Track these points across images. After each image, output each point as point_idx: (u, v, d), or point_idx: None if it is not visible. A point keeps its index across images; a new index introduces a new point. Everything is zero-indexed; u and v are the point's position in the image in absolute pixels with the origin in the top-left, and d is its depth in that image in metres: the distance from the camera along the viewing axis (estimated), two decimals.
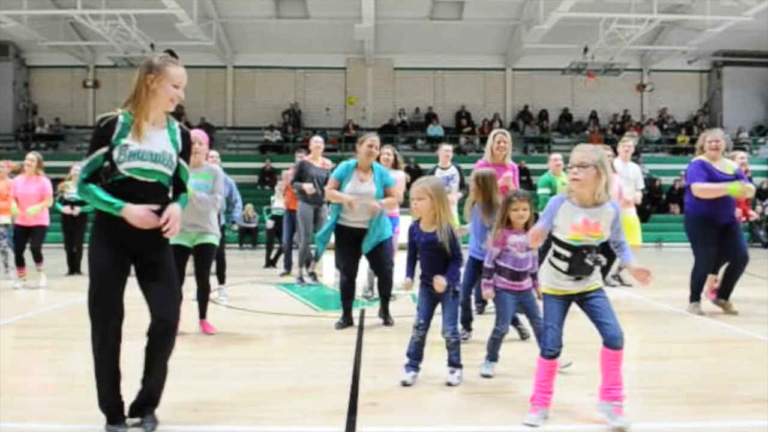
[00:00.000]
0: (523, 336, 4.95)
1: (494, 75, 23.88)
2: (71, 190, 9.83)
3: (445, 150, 8.20)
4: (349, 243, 5.63)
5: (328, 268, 10.67)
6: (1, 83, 22.59)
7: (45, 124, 22.73)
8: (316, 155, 8.51)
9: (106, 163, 2.97)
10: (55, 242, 8.87)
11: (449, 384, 3.78)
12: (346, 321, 5.67)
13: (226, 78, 23.32)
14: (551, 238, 3.22)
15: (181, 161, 3.15)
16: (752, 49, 22.21)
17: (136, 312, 3.24)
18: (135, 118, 2.99)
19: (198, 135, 5.37)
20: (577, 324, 4.17)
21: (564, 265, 3.14)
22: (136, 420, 3.11)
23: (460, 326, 4.99)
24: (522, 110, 23.54)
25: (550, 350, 3.17)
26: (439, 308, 3.97)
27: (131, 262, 3.11)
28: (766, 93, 23.61)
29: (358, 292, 6.23)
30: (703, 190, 6.03)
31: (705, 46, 20.65)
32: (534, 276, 4.06)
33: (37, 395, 3.63)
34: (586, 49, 19.55)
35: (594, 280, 3.17)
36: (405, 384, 3.81)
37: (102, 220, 3.04)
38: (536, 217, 4.13)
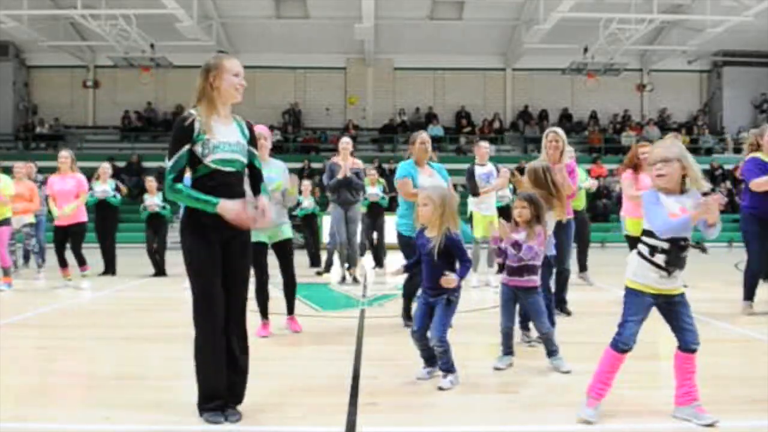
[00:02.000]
0: (530, 343, 4.89)
1: (494, 75, 23.88)
2: (100, 187, 9.87)
3: (484, 147, 8.17)
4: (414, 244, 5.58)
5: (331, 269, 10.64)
6: (1, 83, 22.59)
7: (45, 124, 22.72)
8: (345, 156, 8.48)
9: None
10: (88, 242, 8.95)
11: (440, 388, 3.72)
12: (409, 316, 5.62)
13: None
14: (644, 234, 3.16)
15: (252, 149, 3.33)
16: (752, 49, 22.22)
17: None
18: (205, 117, 3.15)
19: (262, 130, 5.42)
20: (585, 326, 4.16)
21: (662, 258, 3.09)
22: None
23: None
24: (522, 110, 23.54)
25: (625, 344, 3.13)
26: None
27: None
28: (757, 98, 23.55)
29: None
30: (758, 184, 6.04)
31: (705, 46, 20.66)
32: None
33: (37, 395, 3.63)
34: (586, 49, 19.55)
35: (680, 283, 3.15)
36: (418, 378, 3.90)
37: (193, 216, 3.15)
38: (537, 217, 4.17)
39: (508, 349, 4.25)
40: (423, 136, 5.72)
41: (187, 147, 3.10)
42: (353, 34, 19.46)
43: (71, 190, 8.46)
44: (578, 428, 3.13)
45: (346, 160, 8.44)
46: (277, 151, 22.23)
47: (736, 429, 3.14)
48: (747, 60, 22.89)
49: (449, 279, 3.76)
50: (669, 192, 3.10)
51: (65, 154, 8.64)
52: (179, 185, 3.11)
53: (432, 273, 3.87)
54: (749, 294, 6.19)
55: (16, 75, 22.97)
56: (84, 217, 8.63)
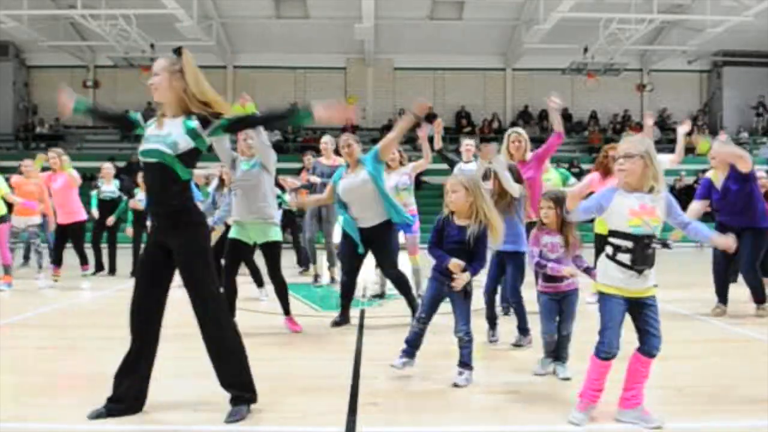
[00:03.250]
0: (492, 340, 4.93)
1: (494, 75, 23.88)
2: (105, 187, 9.87)
3: (467, 144, 8.21)
4: (352, 243, 5.62)
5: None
6: (1, 83, 22.60)
7: (45, 124, 22.73)
8: (328, 154, 8.49)
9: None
10: (87, 242, 9.03)
11: (455, 385, 3.74)
12: (343, 319, 5.70)
13: (226, 78, 23.30)
14: (609, 235, 3.13)
15: (189, 136, 3.19)
16: (752, 49, 22.21)
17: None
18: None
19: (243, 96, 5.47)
20: (584, 325, 4.16)
21: (627, 258, 3.04)
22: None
23: (486, 327, 4.97)
24: (522, 110, 23.54)
25: (606, 352, 3.07)
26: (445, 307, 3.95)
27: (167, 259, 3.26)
28: (753, 100, 23.50)
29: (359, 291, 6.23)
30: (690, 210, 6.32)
31: (705, 46, 20.66)
32: (587, 270, 3.93)
33: (37, 395, 3.63)
34: (586, 49, 19.55)
35: (651, 283, 3.10)
36: (392, 366, 3.86)
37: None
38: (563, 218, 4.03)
39: (551, 353, 4.09)
40: (343, 138, 5.71)
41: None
42: (353, 34, 19.46)
43: (61, 188, 8.48)
44: (578, 429, 3.13)
45: (329, 159, 8.44)
46: (277, 150, 22.15)
47: (736, 429, 3.14)
48: (747, 60, 22.90)
49: (460, 277, 3.70)
50: (633, 189, 3.07)
51: (53, 154, 8.69)
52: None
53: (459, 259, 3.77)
54: (720, 297, 6.28)
55: (16, 75, 22.97)
56: (82, 216, 8.64)
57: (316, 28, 21.44)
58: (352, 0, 18.35)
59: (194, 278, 3.21)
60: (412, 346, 3.96)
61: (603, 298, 3.13)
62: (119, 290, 8.19)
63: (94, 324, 5.97)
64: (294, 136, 22.70)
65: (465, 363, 3.83)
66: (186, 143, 3.18)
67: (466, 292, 3.84)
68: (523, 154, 6.04)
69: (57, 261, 8.48)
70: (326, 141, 8.60)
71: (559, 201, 3.98)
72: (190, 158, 3.21)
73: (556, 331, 4.05)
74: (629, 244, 3.04)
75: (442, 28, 21.54)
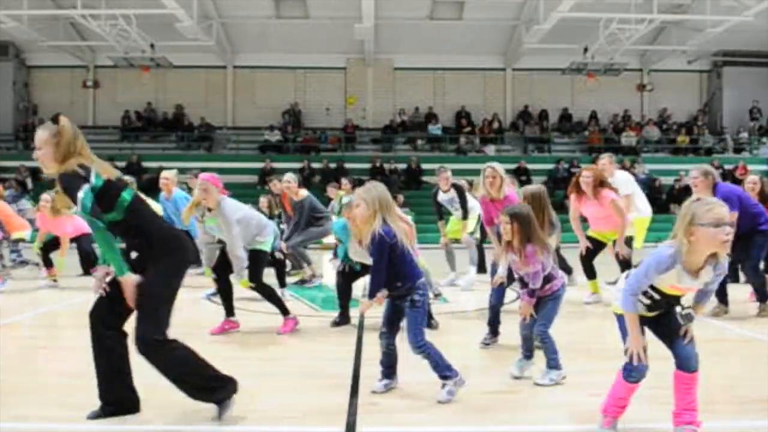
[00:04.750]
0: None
1: (494, 75, 23.87)
2: None
3: (444, 176, 8.33)
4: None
5: (328, 269, 10.66)
6: (1, 83, 22.58)
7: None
8: (293, 192, 8.37)
9: None
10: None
11: (439, 402, 3.49)
12: (342, 319, 5.74)
13: (226, 78, 23.30)
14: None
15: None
16: (752, 49, 22.20)
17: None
18: None
19: (205, 179, 5.28)
20: (583, 325, 4.16)
21: (644, 305, 2.92)
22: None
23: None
24: (522, 110, 23.53)
25: (635, 378, 2.97)
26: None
27: None
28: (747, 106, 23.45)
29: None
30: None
31: (705, 46, 20.65)
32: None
33: (37, 395, 3.63)
34: (586, 49, 19.55)
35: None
36: (374, 392, 3.67)
37: None
38: (525, 236, 3.90)
39: (528, 353, 4.04)
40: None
41: None
42: (353, 34, 19.46)
43: (69, 233, 8.52)
44: (578, 428, 3.14)
45: (297, 196, 8.27)
46: (278, 151, 22.29)
47: (736, 429, 3.14)
48: (747, 60, 22.88)
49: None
50: (694, 266, 2.77)
51: (47, 197, 8.27)
52: None
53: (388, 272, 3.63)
54: (720, 299, 6.32)
55: (16, 75, 22.95)
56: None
57: (316, 28, 21.43)
58: (352, 0, 18.35)
59: (142, 306, 3.16)
60: (387, 367, 3.76)
61: (620, 318, 2.99)
62: None
63: None
64: (294, 136, 22.70)
65: (441, 375, 3.56)
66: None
67: (412, 302, 3.61)
68: (498, 190, 5.78)
69: (47, 263, 8.52)
70: (288, 180, 8.31)
71: (517, 216, 3.90)
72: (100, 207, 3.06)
73: (530, 330, 4.02)
74: (657, 296, 2.90)
75: (442, 28, 21.53)
